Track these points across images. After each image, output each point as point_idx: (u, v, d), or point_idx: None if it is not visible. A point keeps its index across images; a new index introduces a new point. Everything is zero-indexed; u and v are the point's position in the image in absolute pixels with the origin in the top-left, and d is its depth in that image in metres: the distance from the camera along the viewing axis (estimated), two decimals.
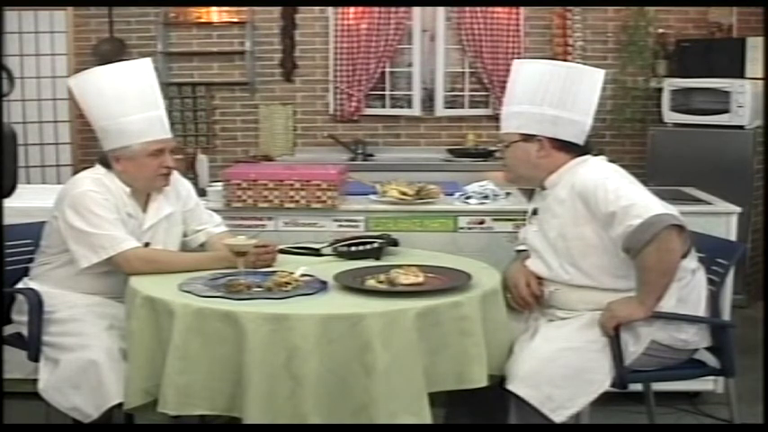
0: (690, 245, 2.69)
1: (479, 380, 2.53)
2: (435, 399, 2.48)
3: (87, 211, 2.82)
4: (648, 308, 2.64)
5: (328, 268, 2.81)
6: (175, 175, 3.07)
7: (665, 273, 2.62)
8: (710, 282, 2.84)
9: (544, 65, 2.94)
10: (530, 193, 3.14)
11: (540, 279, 2.85)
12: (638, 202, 2.62)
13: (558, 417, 2.58)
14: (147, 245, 2.94)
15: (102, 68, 3.01)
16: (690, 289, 2.73)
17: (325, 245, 3.14)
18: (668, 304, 2.67)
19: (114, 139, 2.90)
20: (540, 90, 2.81)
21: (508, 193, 3.77)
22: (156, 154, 2.93)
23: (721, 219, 3.56)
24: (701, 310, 2.77)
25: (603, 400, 2.65)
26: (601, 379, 2.64)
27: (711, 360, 2.85)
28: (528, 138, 2.83)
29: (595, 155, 2.88)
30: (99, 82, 2.93)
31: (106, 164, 2.96)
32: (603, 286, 2.71)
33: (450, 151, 6.11)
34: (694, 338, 2.76)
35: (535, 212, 2.93)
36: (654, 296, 2.64)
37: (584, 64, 6.14)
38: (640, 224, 2.56)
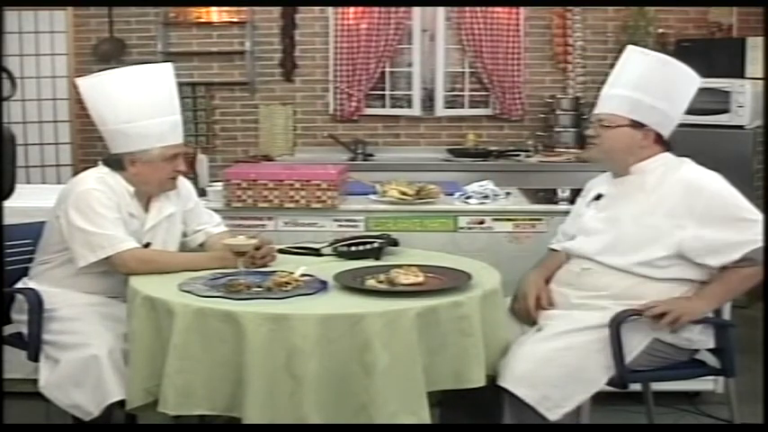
0: None
1: (478, 380, 2.53)
2: (431, 398, 2.47)
3: (90, 210, 2.81)
4: (708, 307, 2.76)
5: (328, 268, 2.80)
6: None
7: (744, 290, 2.81)
8: None
9: (656, 58, 2.91)
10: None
11: (570, 257, 2.88)
12: (761, 220, 2.69)
13: (554, 415, 2.58)
14: (147, 245, 2.94)
15: (121, 71, 2.96)
16: None
17: (325, 245, 3.13)
18: None
19: (133, 143, 2.88)
20: (652, 82, 2.81)
21: (508, 193, 3.77)
22: (171, 158, 2.93)
23: None
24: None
25: (603, 399, 2.65)
26: (597, 377, 2.64)
27: (711, 360, 2.85)
28: (637, 125, 2.83)
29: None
30: (119, 85, 2.89)
31: (111, 164, 2.95)
32: (638, 273, 2.73)
33: (450, 151, 6.10)
34: (699, 338, 2.77)
35: (598, 197, 2.93)
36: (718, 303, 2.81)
37: (584, 64, 6.19)
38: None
